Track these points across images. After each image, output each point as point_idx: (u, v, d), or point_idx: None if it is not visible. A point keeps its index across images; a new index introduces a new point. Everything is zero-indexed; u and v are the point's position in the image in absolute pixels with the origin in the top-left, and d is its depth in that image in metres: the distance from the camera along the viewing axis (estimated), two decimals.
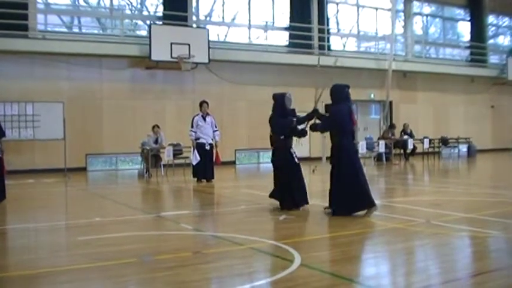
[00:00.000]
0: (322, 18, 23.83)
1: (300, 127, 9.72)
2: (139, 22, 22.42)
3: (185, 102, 20.24)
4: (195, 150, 14.73)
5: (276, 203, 9.67)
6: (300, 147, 22.24)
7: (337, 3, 25.38)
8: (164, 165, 17.46)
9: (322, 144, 20.88)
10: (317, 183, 13.83)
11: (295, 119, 9.68)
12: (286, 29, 23.56)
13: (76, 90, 18.95)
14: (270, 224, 8.29)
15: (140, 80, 20.09)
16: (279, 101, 9.71)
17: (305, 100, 22.59)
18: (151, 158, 16.92)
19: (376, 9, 26.45)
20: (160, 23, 20.73)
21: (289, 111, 9.71)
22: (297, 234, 7.47)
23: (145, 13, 22.39)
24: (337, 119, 8.72)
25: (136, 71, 20.08)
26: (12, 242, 7.61)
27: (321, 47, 23.79)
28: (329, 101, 8.99)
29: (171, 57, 19.23)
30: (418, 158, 22.90)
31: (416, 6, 28.09)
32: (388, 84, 24.71)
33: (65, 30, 20.82)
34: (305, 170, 18.61)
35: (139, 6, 22.68)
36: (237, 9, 23.05)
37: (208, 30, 20.74)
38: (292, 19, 23.24)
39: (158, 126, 17.39)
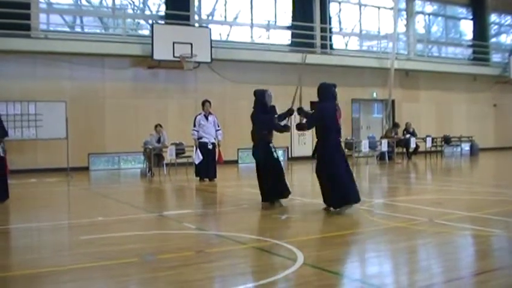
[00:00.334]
0: (325, 17, 23.80)
1: (282, 123, 10.14)
2: (142, 21, 22.42)
3: (187, 101, 20.24)
4: (198, 150, 14.74)
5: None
6: (302, 147, 22.46)
7: (339, 2, 25.36)
8: (167, 164, 17.47)
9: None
10: None
11: (276, 115, 10.07)
12: (288, 28, 23.54)
13: (78, 89, 18.97)
14: (272, 223, 8.29)
15: (142, 79, 20.10)
16: (260, 97, 10.00)
17: (307, 98, 22.68)
18: (154, 157, 16.93)
19: (379, 8, 26.43)
20: (163, 22, 20.73)
21: (270, 108, 10.01)
22: (299, 233, 7.47)
23: (147, 12, 22.40)
24: (324, 116, 8.87)
25: (138, 71, 20.08)
26: (15, 241, 7.62)
27: (323, 46, 23.78)
28: (314, 99, 9.19)
29: (174, 56, 19.23)
30: (420, 157, 22.88)
31: (418, 5, 28.05)
32: (390, 83, 24.69)
33: (67, 29, 20.82)
34: (308, 169, 18.71)
35: (141, 5, 22.70)
36: (239, 8, 23.06)
37: (210, 29, 20.74)
38: (294, 18, 23.22)
39: (161, 126, 17.39)
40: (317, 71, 22.43)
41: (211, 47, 20.06)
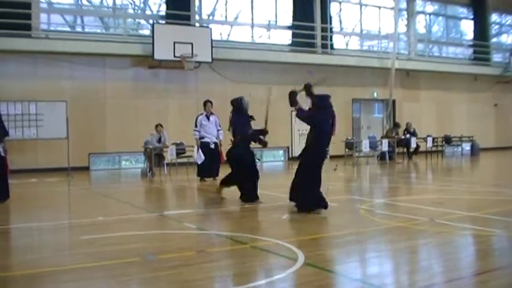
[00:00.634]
0: (325, 16, 23.79)
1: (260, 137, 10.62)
2: (142, 21, 22.42)
3: (188, 101, 20.25)
4: (200, 150, 14.74)
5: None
6: (303, 146, 22.39)
7: (340, 2, 25.36)
8: (167, 164, 17.47)
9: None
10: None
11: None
12: (289, 27, 23.54)
13: (79, 89, 18.97)
14: (273, 222, 8.29)
15: (143, 79, 20.10)
16: (237, 105, 10.56)
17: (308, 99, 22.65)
18: (155, 157, 16.94)
19: (379, 7, 26.42)
20: (163, 22, 20.73)
21: (246, 114, 10.53)
22: (300, 233, 7.47)
23: (148, 12, 22.41)
24: (319, 125, 8.99)
25: (139, 70, 20.09)
26: (16, 241, 7.62)
27: (324, 46, 23.78)
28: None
29: (174, 56, 19.23)
30: (421, 157, 22.87)
31: (419, 5, 28.05)
32: (391, 83, 24.69)
33: (68, 29, 20.82)
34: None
35: (142, 5, 22.70)
36: (239, 8, 23.06)
37: (211, 29, 20.76)
38: (295, 18, 23.22)
39: (161, 125, 17.40)
40: (317, 71, 22.47)
41: (212, 46, 20.07)
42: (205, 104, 15.08)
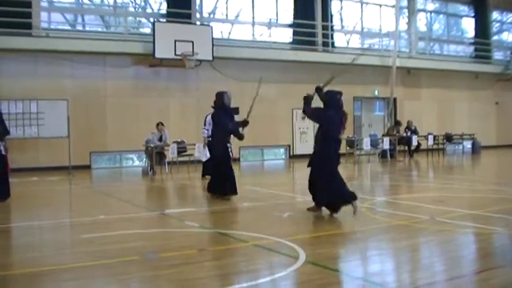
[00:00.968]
0: (326, 15, 23.77)
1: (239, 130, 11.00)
2: (143, 20, 22.40)
3: (189, 99, 20.24)
4: (207, 147, 14.75)
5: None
6: (304, 144, 22.45)
7: (340, 0, 25.33)
8: (168, 163, 17.46)
9: None
10: None
11: (236, 115, 11.53)
12: (290, 25, 23.53)
13: (80, 88, 18.97)
14: (274, 221, 8.28)
15: (144, 78, 20.09)
16: (220, 98, 10.97)
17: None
18: (156, 155, 16.94)
19: (380, 5, 26.39)
20: (164, 20, 20.71)
21: (230, 109, 11.03)
22: (301, 231, 7.47)
23: (148, 11, 22.39)
24: (329, 125, 8.64)
25: (140, 69, 20.08)
26: (17, 240, 7.63)
27: (325, 44, 23.76)
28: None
29: (175, 54, 19.22)
30: (422, 155, 22.87)
31: (420, 3, 28.00)
32: (392, 81, 24.67)
33: (68, 28, 20.81)
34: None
35: (142, 3, 22.69)
36: (240, 6, 23.04)
37: (212, 27, 20.74)
38: (296, 16, 23.20)
39: (162, 124, 17.40)
40: (318, 69, 22.45)
41: (213, 45, 20.06)
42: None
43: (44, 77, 18.38)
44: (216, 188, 10.83)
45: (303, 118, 9.18)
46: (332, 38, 24.16)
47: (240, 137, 11.03)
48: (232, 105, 11.52)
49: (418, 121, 24.12)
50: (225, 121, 10.77)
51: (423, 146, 22.81)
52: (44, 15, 19.82)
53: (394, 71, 24.45)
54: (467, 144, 25.74)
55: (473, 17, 29.46)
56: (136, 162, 20.52)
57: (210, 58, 20.01)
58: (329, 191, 8.52)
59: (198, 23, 21.62)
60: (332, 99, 8.74)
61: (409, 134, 22.74)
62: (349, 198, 8.44)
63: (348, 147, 20.74)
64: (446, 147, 24.71)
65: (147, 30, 21.22)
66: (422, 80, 26.61)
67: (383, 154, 21.78)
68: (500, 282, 4.99)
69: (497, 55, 30.59)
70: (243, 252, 6.28)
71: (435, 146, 23.42)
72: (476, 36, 29.20)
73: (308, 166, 9.00)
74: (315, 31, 23.50)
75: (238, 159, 21.52)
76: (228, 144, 10.82)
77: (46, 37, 18.75)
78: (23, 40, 17.75)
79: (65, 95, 17.66)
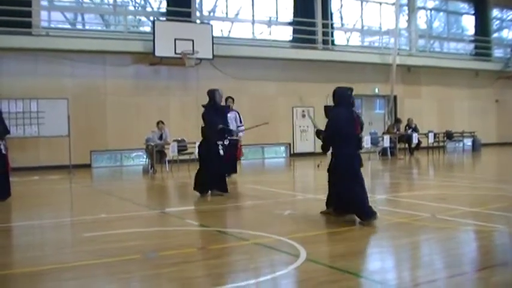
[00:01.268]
0: (326, 12, 23.77)
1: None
2: (143, 18, 22.40)
3: (189, 98, 20.23)
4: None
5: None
6: (304, 143, 22.44)
7: None
8: (169, 161, 17.48)
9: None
10: (322, 178, 13.79)
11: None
12: (290, 24, 23.52)
13: (80, 87, 18.97)
14: (275, 219, 8.28)
15: (144, 76, 20.10)
16: (211, 96, 11.02)
17: (309, 95, 22.75)
18: (156, 154, 16.95)
19: (380, 3, 26.37)
20: (164, 19, 20.71)
21: (221, 107, 11.29)
22: (302, 229, 7.45)
23: (148, 9, 22.39)
24: (338, 123, 7.85)
25: (140, 67, 20.08)
26: (17, 239, 7.63)
27: (325, 42, 23.76)
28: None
29: (175, 53, 19.23)
30: (422, 153, 22.86)
31: (420, 0, 27.99)
32: (392, 79, 24.66)
33: (68, 27, 20.84)
34: (310, 165, 18.70)
35: (142, 2, 22.68)
36: (240, 5, 23.03)
37: (212, 25, 20.74)
38: (295, 14, 23.19)
39: (163, 122, 17.41)
40: (318, 67, 22.47)
41: (213, 43, 20.06)
42: (226, 100, 15.02)
43: (44, 76, 18.38)
44: (204, 187, 10.94)
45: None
46: (332, 36, 24.16)
47: (232, 134, 11.36)
48: (237, 103, 11.75)
49: (418, 119, 24.12)
50: (215, 120, 10.80)
51: (423, 144, 22.81)
52: (44, 14, 19.83)
53: (394, 69, 24.44)
54: (468, 142, 25.75)
55: (474, 14, 29.45)
56: (137, 161, 20.50)
57: (210, 56, 20.01)
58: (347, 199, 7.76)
59: (198, 21, 21.64)
60: (342, 97, 8.01)
61: (409, 131, 22.73)
62: (368, 215, 7.59)
63: None
64: (447, 145, 24.71)
65: (147, 29, 21.22)
66: (422, 78, 26.60)
67: (383, 152, 21.79)
68: (501, 280, 4.99)
69: (498, 53, 30.57)
70: (244, 250, 6.27)
71: (435, 144, 23.42)
72: (476, 33, 29.19)
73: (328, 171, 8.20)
74: (315, 29, 23.49)
75: (239, 158, 21.52)
76: (219, 143, 10.87)
77: (46, 36, 18.76)
78: (23, 39, 17.76)
79: (65, 93, 17.67)
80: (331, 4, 24.15)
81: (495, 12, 31.11)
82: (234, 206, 9.90)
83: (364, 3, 26.01)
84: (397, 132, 22.52)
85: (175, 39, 19.21)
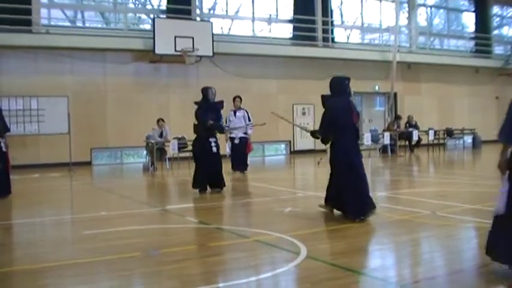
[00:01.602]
0: (326, 10, 23.73)
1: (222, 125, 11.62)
2: (143, 16, 22.39)
3: (189, 95, 20.10)
4: (226, 143, 14.93)
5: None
6: (304, 140, 22.44)
7: None
8: (169, 159, 17.49)
9: None
10: (322, 175, 13.79)
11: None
12: (290, 21, 23.49)
13: (80, 84, 18.95)
14: (275, 216, 8.28)
15: (144, 74, 20.08)
16: (204, 93, 11.20)
17: (309, 92, 22.70)
18: (156, 151, 16.96)
19: (380, 0, 26.32)
20: (164, 16, 20.69)
21: (214, 104, 11.27)
22: (302, 227, 7.46)
23: (148, 7, 22.35)
24: (334, 112, 7.75)
25: (140, 65, 20.07)
26: (18, 236, 7.64)
27: (325, 39, 23.73)
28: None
29: (175, 50, 19.21)
30: (423, 150, 22.86)
31: None
32: (392, 76, 24.64)
33: (68, 24, 20.80)
34: (310, 162, 18.70)
35: (142, 0, 22.66)
36: (240, 2, 23.00)
37: (212, 23, 20.72)
38: (296, 11, 23.16)
39: (163, 120, 17.42)
40: (319, 64, 22.45)
41: (213, 41, 20.04)
42: (234, 99, 15.16)
43: (44, 73, 18.36)
44: (200, 184, 11.07)
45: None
46: (332, 33, 24.13)
47: (223, 131, 11.80)
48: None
49: (418, 116, 24.11)
50: (205, 117, 10.98)
51: (424, 141, 22.80)
52: (44, 11, 19.79)
53: (394, 66, 24.42)
54: (468, 139, 25.73)
55: (474, 11, 29.40)
56: (137, 159, 20.49)
57: (210, 54, 20.00)
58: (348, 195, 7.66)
59: (198, 18, 21.62)
60: (338, 85, 7.90)
61: (409, 129, 22.73)
62: (354, 213, 7.57)
63: None
64: (447, 142, 24.70)
65: (147, 27, 21.20)
66: (422, 75, 26.58)
67: (384, 149, 21.79)
68: (501, 277, 4.99)
69: (498, 49, 30.54)
70: (244, 247, 6.28)
71: (436, 141, 23.42)
72: (476, 30, 29.15)
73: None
74: (315, 26, 23.46)
75: None
76: (212, 139, 11.04)
77: (46, 34, 18.72)
78: (23, 37, 17.73)
79: (65, 91, 17.64)
80: (331, 1, 24.11)
81: (495, 9, 31.06)
82: (235, 204, 9.91)
83: (364, 0, 25.98)
84: (397, 130, 22.52)
85: (175, 37, 19.19)
